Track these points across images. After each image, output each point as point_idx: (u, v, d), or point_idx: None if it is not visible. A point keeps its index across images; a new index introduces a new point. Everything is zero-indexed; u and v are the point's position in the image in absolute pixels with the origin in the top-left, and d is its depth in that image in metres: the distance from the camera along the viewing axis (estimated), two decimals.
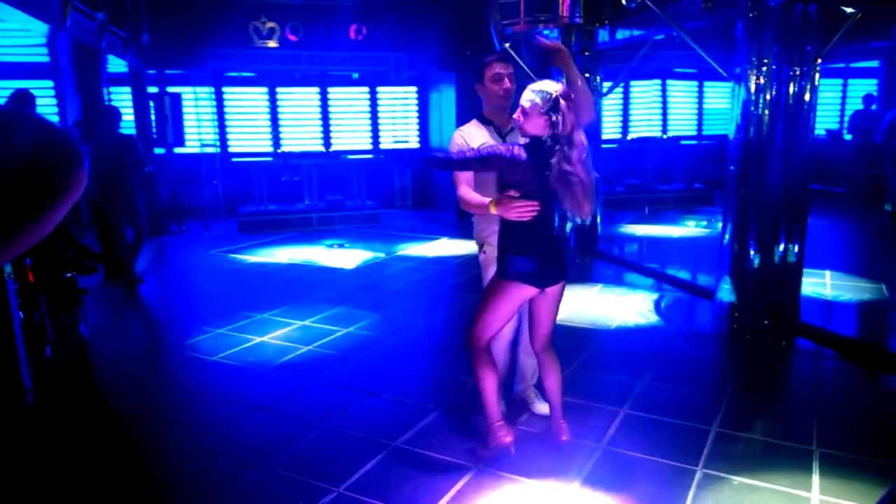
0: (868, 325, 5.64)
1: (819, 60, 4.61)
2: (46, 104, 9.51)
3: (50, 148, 0.70)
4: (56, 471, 3.20)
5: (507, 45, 7.42)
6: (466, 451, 3.24)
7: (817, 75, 4.65)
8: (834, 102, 13.81)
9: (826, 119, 13.33)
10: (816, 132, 5.10)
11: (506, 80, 3.28)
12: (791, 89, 4.61)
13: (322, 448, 3.35)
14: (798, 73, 4.58)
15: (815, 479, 2.96)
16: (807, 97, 4.65)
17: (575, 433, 3.40)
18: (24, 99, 5.70)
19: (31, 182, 0.68)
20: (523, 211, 2.83)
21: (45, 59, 9.45)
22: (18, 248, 0.68)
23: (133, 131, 9.11)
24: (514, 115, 2.94)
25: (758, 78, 4.67)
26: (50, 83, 9.41)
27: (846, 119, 12.88)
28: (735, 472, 3.02)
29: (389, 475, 3.08)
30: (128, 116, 9.06)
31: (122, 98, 9.79)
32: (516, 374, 3.74)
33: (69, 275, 5.86)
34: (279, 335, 5.09)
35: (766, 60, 4.62)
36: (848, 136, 11.79)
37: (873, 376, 4.38)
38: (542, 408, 3.62)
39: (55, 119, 9.50)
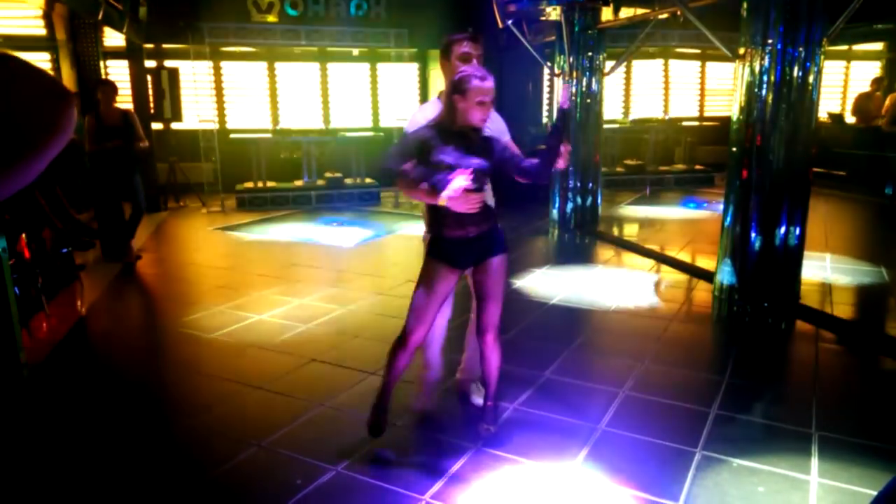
0: (867, 309, 5.64)
1: (825, 41, 4.55)
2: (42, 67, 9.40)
3: (39, 88, 0.68)
4: (52, 447, 3.20)
5: (510, 22, 7.34)
6: (466, 431, 3.24)
7: (822, 57, 4.59)
8: (837, 85, 13.71)
9: (829, 101, 13.24)
10: (819, 114, 5.04)
11: (474, 61, 3.15)
12: (795, 71, 4.55)
13: (321, 427, 3.35)
14: (803, 54, 4.52)
15: (815, 461, 2.96)
16: (811, 79, 4.59)
17: (574, 414, 3.40)
18: None
19: (24, 121, 0.66)
20: (474, 203, 2.74)
21: (42, 31, 9.33)
22: (11, 188, 0.66)
23: (130, 106, 9.02)
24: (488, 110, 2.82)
25: (762, 59, 4.61)
26: (46, 56, 9.29)
27: (849, 101, 12.79)
28: (734, 454, 3.01)
29: (388, 455, 3.08)
30: (125, 91, 8.96)
31: (119, 72, 9.69)
32: (463, 363, 3.66)
33: (66, 250, 5.83)
34: (278, 313, 5.07)
35: (770, 41, 4.55)
36: (851, 119, 11.72)
37: (872, 359, 4.38)
38: (479, 399, 3.49)
39: None
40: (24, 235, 5.19)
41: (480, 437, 3.17)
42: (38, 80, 0.68)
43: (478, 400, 3.50)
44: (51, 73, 7.69)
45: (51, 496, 2.81)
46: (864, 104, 11.27)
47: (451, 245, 2.91)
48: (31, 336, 4.54)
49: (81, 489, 2.85)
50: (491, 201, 3.18)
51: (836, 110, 12.82)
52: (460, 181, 2.66)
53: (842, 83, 13.78)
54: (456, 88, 2.77)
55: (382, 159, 2.88)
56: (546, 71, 10.03)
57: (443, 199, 2.70)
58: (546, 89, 11.54)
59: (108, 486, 2.86)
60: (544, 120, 11.42)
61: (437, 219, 2.90)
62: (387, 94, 12.01)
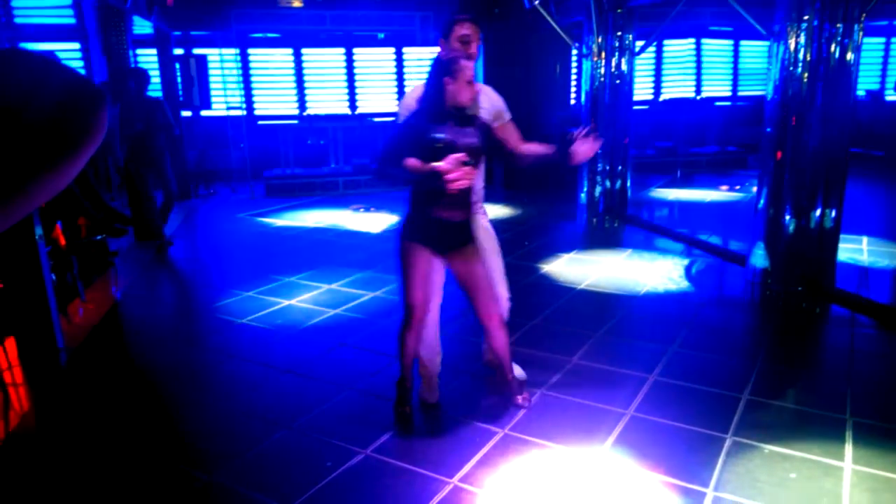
0: None
1: (863, 17, 4.41)
2: (73, 67, 9.55)
3: (73, 91, 0.68)
4: (90, 430, 3.28)
5: (537, 2, 7.23)
6: (494, 415, 3.25)
7: (861, 33, 4.45)
8: (876, 62, 13.30)
9: (867, 79, 12.87)
10: (857, 93, 4.90)
11: (472, 44, 3.12)
12: (833, 48, 4.42)
13: (350, 410, 3.38)
14: (841, 30, 4.39)
15: (849, 448, 2.91)
16: (849, 56, 4.46)
17: (603, 399, 3.38)
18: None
19: (56, 126, 0.65)
20: (471, 175, 2.74)
21: (72, 20, 9.47)
22: (42, 196, 0.66)
23: (159, 94, 9.13)
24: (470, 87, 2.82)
25: (798, 36, 4.49)
26: (76, 45, 9.43)
27: (889, 79, 12.42)
28: (766, 440, 2.97)
29: (416, 438, 3.10)
30: (154, 79, 9.06)
31: (147, 60, 9.80)
32: (486, 343, 3.65)
33: (100, 237, 5.94)
34: (306, 298, 5.12)
35: (806, 17, 4.43)
36: (890, 97, 11.37)
37: None
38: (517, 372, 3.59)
39: None
40: (59, 223, 5.29)
41: (519, 407, 3.27)
42: (73, 81, 0.68)
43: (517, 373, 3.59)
44: (81, 63, 7.79)
45: (89, 477, 2.88)
46: None
47: (431, 227, 2.90)
48: (69, 321, 4.64)
49: (117, 470, 2.92)
50: (478, 191, 3.13)
51: (875, 88, 12.46)
52: (456, 155, 2.66)
53: (881, 60, 13.36)
54: (446, 70, 2.78)
55: (376, 160, 2.88)
56: (574, 52, 9.88)
57: (442, 170, 2.65)
58: (574, 71, 11.39)
59: (142, 467, 2.93)
60: (572, 101, 11.29)
61: (423, 199, 2.89)
62: (413, 77, 11.97)
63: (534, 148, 2.98)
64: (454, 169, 2.64)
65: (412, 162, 2.74)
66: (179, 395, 3.66)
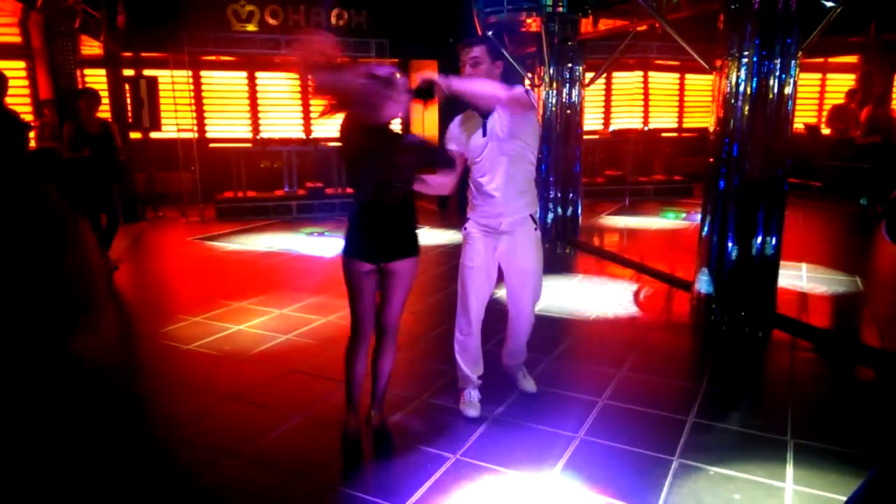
0: (843, 318, 5.72)
1: (799, 54, 4.63)
2: (19, 85, 9.30)
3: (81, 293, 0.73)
4: (26, 460, 3.14)
5: (491, 32, 7.38)
6: (444, 441, 3.23)
7: (797, 69, 4.67)
8: (812, 96, 13.95)
9: (805, 113, 13.46)
10: (795, 126, 5.12)
11: (467, 66, 3.27)
12: (771, 82, 4.62)
13: (300, 438, 3.32)
14: (778, 65, 4.60)
15: (790, 469, 2.99)
16: (787, 90, 4.66)
17: (553, 423, 3.41)
18: None
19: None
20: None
21: (17, 38, 9.23)
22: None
23: (107, 115, 8.94)
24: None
25: (738, 70, 4.68)
26: (22, 64, 9.19)
27: (825, 113, 13.01)
28: (711, 462, 3.04)
29: (368, 465, 3.06)
30: (103, 100, 8.88)
31: (96, 81, 9.60)
32: (506, 344, 3.78)
33: None
34: (257, 324, 5.04)
35: (746, 53, 4.62)
36: (826, 131, 11.91)
37: (847, 368, 4.43)
38: (527, 385, 3.77)
39: (26, 101, 9.29)
40: None
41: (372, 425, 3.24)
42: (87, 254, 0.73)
43: (525, 386, 3.76)
44: (26, 82, 7.58)
45: None
46: (839, 116, 11.47)
47: (363, 234, 2.95)
48: None
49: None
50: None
51: (812, 122, 13.04)
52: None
53: (817, 95, 14.01)
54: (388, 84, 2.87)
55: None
56: (527, 82, 10.10)
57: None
58: None
59: (82, 500, 2.82)
60: None
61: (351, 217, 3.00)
62: None
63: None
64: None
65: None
66: (122, 424, 3.54)
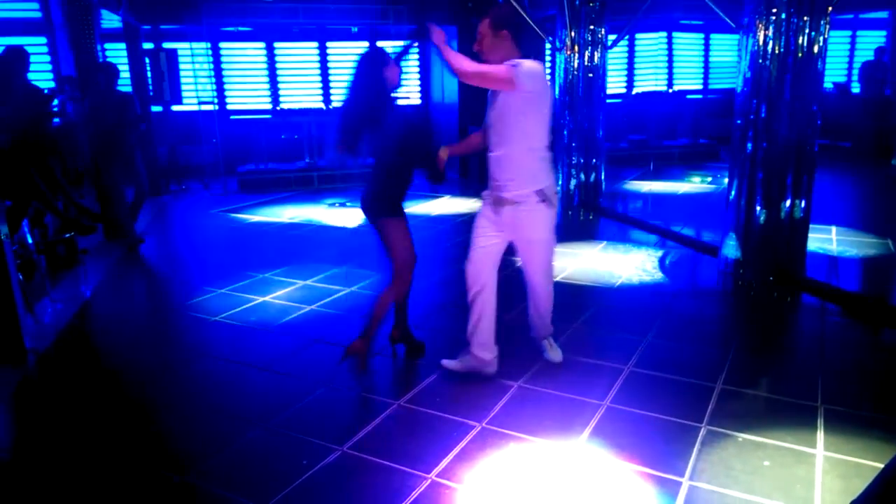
0: (873, 281, 5.61)
1: (829, 10, 4.47)
2: (40, 61, 9.35)
3: None
4: (60, 432, 3.21)
5: None
6: (470, 409, 3.24)
7: (827, 26, 4.51)
8: (842, 54, 13.53)
9: (834, 72, 13.08)
10: (824, 85, 4.97)
11: (483, 40, 3.39)
12: (800, 40, 4.48)
13: (325, 407, 3.35)
14: (808, 23, 4.45)
15: (820, 435, 2.96)
16: (816, 48, 4.52)
17: (579, 391, 3.40)
18: (18, 56, 5.56)
19: None
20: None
21: (38, 14, 9.25)
22: None
23: (129, 88, 8.96)
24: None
25: (766, 29, 4.54)
26: (43, 39, 9.23)
27: (855, 71, 12.63)
28: (740, 428, 3.01)
29: (393, 434, 3.09)
30: (123, 74, 8.90)
31: (116, 54, 9.62)
32: (529, 320, 3.81)
33: (68, 235, 5.83)
34: (281, 295, 5.07)
35: (774, 10, 4.48)
36: (856, 89, 11.58)
37: (878, 332, 4.35)
38: (553, 355, 3.75)
39: (49, 76, 9.34)
40: (26, 221, 5.18)
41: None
42: None
43: (551, 356, 3.75)
44: (48, 57, 7.61)
45: (61, 479, 2.82)
46: (870, 73, 11.13)
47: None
48: (37, 321, 4.55)
49: (88, 471, 2.86)
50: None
51: (842, 80, 12.68)
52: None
53: (847, 53, 13.59)
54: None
55: None
56: (548, 46, 9.90)
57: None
58: (548, 65, 11.41)
59: (114, 468, 2.88)
60: None
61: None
62: None
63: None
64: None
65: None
66: (151, 396, 3.60)
